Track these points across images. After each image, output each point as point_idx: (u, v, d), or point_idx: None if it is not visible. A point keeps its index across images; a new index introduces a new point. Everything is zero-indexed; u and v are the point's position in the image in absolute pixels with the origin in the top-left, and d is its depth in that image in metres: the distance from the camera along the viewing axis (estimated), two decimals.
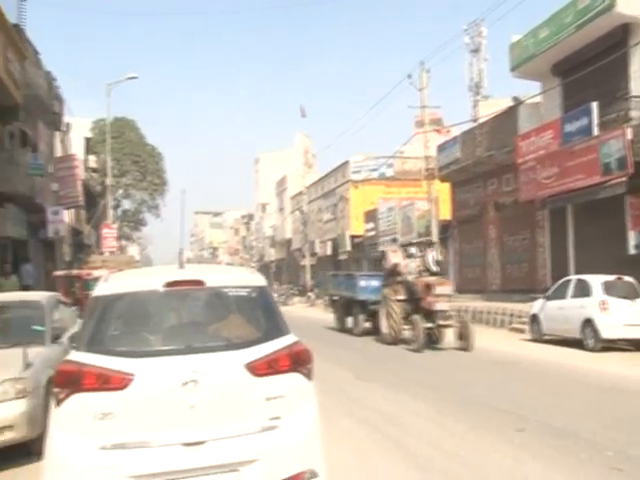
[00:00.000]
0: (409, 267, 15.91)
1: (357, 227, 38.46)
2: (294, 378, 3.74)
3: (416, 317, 14.25)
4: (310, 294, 39.87)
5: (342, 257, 40.88)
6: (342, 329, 19.97)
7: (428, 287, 14.64)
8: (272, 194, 65.94)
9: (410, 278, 15.62)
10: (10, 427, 5.76)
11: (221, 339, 3.86)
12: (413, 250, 16.76)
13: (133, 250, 58.69)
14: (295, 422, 3.67)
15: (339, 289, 20.73)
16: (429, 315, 14.36)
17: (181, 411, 3.45)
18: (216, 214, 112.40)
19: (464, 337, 14.12)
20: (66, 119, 27.97)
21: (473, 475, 5.36)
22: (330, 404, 6.92)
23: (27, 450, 5.97)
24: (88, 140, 39.60)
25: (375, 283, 17.96)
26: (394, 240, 29.01)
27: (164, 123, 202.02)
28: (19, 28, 19.00)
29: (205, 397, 3.49)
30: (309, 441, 3.71)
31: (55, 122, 25.12)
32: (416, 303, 14.93)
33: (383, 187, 37.67)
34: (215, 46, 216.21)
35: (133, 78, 33.06)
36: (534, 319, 15.88)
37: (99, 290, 4.04)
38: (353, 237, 39.03)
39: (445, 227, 27.19)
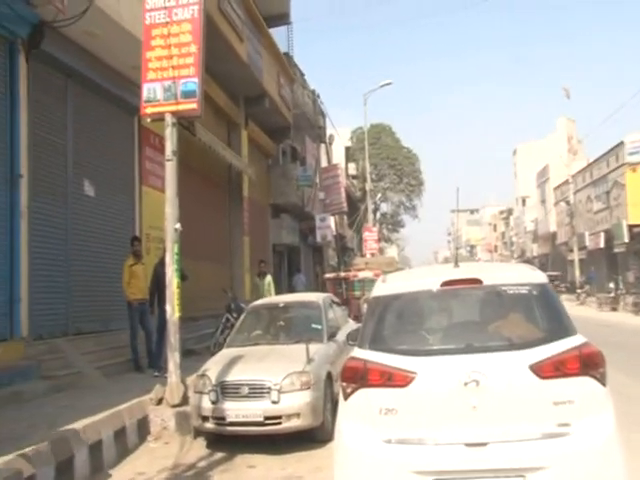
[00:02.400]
0: None
1: (636, 215, 34.17)
2: (585, 382, 3.44)
3: None
4: (580, 291, 36.67)
5: (618, 250, 36.80)
6: None
7: None
8: (532, 186, 62.47)
9: None
10: (297, 415, 6.30)
11: (502, 339, 3.73)
12: None
13: (392, 251, 60.69)
14: (588, 431, 3.36)
15: None
16: None
17: (462, 411, 3.41)
18: (473, 211, 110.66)
19: None
20: (329, 131, 30.09)
21: None
22: None
23: (311, 437, 6.50)
24: (348, 149, 42.12)
25: None
26: None
27: (419, 125, 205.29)
28: (288, 55, 21.11)
29: (487, 398, 3.40)
30: (606, 454, 3.36)
31: (320, 136, 27.24)
32: None
33: None
34: (466, 38, 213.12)
35: (388, 84, 33.95)
36: None
37: (378, 290, 4.17)
38: (631, 227, 34.79)
39: None
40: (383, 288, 4.16)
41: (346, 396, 3.70)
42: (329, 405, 6.71)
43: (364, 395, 3.60)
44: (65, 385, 7.74)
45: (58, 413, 6.30)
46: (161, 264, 8.83)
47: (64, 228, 9.17)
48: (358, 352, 3.85)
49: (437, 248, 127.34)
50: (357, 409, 3.63)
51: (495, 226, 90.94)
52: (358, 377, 3.65)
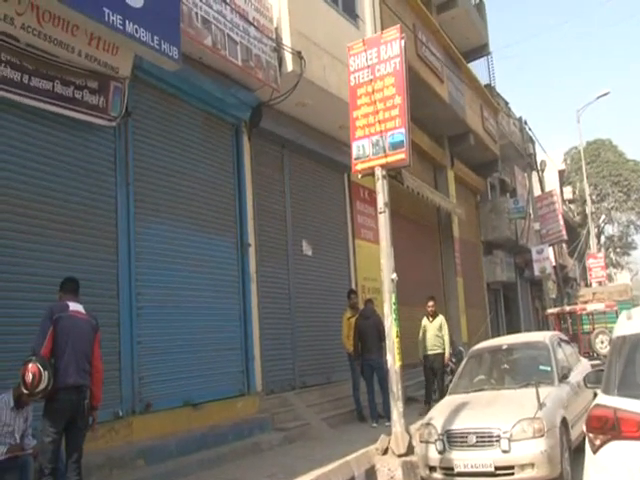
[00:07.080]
0: None
1: None
2: None
3: None
4: None
5: None
6: None
7: None
8: None
9: None
10: (531, 465, 5.84)
11: None
12: None
13: (623, 277, 54.54)
14: None
15: None
16: None
17: None
18: None
19: None
20: (539, 157, 28.55)
21: None
22: None
23: None
24: (561, 173, 39.58)
25: None
26: None
27: None
28: (490, 87, 20.81)
29: None
30: None
31: (530, 163, 26.01)
32: None
33: None
34: None
35: (605, 95, 30.94)
36: None
37: (622, 329, 3.85)
38: None
39: None
40: (629, 326, 3.79)
41: (595, 449, 3.37)
42: (567, 454, 6.18)
43: (618, 448, 3.25)
44: (296, 436, 8.22)
45: (293, 463, 6.71)
46: (362, 317, 9.30)
47: (287, 288, 9.83)
48: (604, 399, 3.51)
49: None
50: (610, 464, 3.28)
51: None
52: (608, 428, 3.31)
